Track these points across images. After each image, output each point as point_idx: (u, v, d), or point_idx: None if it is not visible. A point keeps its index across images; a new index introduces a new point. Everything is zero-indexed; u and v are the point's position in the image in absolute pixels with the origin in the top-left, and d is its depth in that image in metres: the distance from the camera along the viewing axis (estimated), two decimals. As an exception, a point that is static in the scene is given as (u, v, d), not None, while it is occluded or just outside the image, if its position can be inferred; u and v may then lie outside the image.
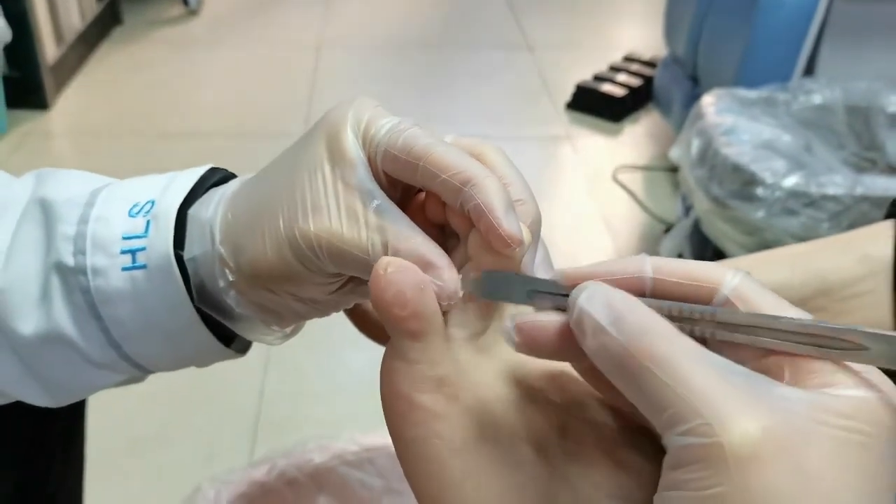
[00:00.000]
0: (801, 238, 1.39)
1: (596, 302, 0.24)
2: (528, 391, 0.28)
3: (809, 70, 1.77)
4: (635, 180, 2.04)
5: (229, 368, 1.50)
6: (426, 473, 0.26)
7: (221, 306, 0.34)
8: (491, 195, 0.28)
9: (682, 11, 2.04)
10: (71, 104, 2.36)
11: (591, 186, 2.03)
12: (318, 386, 1.42)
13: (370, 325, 0.54)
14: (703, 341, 0.24)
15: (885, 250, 0.49)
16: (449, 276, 0.28)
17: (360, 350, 1.44)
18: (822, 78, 1.74)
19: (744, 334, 0.24)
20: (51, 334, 0.33)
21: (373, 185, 0.31)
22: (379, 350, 0.59)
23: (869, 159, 1.71)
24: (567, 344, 0.25)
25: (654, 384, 0.22)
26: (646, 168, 2.09)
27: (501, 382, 0.28)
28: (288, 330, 0.37)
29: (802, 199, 1.42)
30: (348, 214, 0.30)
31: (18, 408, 0.54)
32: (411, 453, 0.26)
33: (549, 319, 0.26)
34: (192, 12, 2.98)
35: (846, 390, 0.23)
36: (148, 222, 0.33)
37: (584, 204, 1.96)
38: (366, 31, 2.96)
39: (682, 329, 0.24)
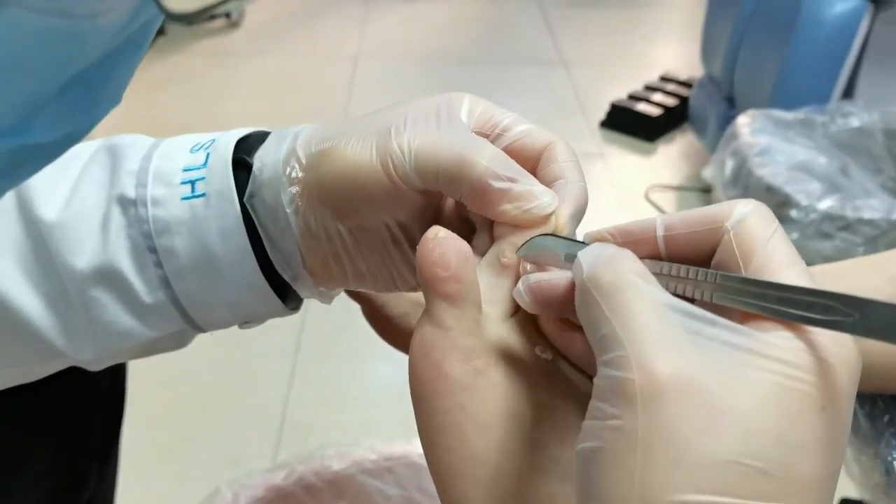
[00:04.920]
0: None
1: (589, 254, 0.25)
2: (552, 371, 0.28)
3: (848, 93, 1.75)
4: (668, 200, 2.02)
5: (256, 374, 1.51)
6: (447, 446, 0.26)
7: (271, 236, 0.34)
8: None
9: (719, 32, 2.03)
10: (112, 113, 2.41)
11: (624, 205, 2.02)
12: (343, 394, 1.43)
13: (391, 331, 0.55)
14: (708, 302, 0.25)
15: (916, 272, 0.48)
16: (541, 187, 0.30)
17: (385, 360, 1.44)
18: (861, 101, 1.71)
19: (735, 295, 0.24)
20: (104, 268, 0.33)
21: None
22: (404, 361, 0.60)
23: (907, 184, 1.67)
24: (572, 299, 0.25)
25: (598, 316, 0.23)
26: (679, 188, 2.07)
27: (527, 361, 0.28)
28: (322, 287, 0.37)
29: (837, 223, 1.39)
30: (447, 128, 0.31)
31: (62, 419, 0.55)
32: (434, 424, 0.26)
33: (558, 277, 0.27)
34: (234, 24, 3.03)
35: (791, 338, 0.22)
36: (208, 154, 0.34)
37: (616, 222, 1.94)
38: (402, 45, 2.98)
39: (676, 288, 0.25)
